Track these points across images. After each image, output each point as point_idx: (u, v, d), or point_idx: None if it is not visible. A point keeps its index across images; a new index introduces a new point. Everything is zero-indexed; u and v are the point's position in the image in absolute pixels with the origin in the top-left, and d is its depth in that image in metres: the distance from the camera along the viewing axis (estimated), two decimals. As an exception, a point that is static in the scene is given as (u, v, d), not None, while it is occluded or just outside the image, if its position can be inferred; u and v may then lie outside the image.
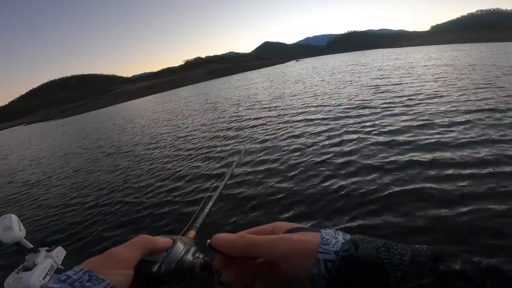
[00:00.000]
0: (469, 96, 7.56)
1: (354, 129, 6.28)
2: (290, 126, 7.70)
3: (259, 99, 15.31)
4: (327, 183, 3.97)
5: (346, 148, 5.14)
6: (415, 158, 4.17)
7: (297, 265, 0.29)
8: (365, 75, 17.51)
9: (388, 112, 7.18)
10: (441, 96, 8.05)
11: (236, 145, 6.99)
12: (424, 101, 7.71)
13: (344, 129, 6.41)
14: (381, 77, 15.17)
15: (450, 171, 3.62)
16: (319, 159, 4.88)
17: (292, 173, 4.58)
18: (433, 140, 4.74)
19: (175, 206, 4.33)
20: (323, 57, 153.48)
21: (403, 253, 0.26)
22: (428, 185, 3.38)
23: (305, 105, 10.53)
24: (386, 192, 3.39)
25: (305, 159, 5.06)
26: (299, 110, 9.60)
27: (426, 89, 9.51)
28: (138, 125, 16.45)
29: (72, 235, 4.13)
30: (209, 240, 0.33)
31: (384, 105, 8.01)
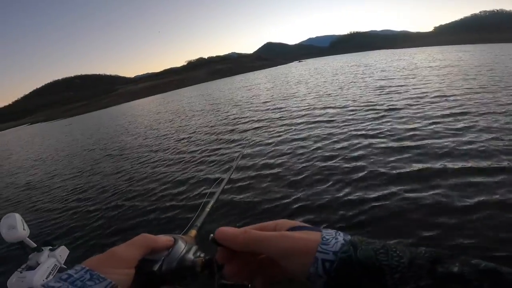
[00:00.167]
0: (477, 98, 7.38)
1: (360, 132, 6.02)
2: (293, 128, 7.57)
3: (261, 100, 15.27)
4: (328, 186, 3.92)
5: (352, 154, 4.91)
6: (423, 164, 3.99)
7: (295, 263, 0.29)
8: (369, 76, 17.37)
9: (394, 115, 6.98)
10: (448, 98, 7.86)
11: (237, 146, 6.98)
12: (431, 104, 7.50)
13: (350, 132, 6.17)
14: (385, 78, 15.02)
15: (461, 178, 3.47)
16: (322, 164, 4.72)
17: (293, 175, 4.56)
18: (442, 145, 4.57)
19: (177, 206, 4.33)
20: (326, 58, 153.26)
21: (401, 255, 0.26)
22: (437, 191, 3.26)
23: (309, 106, 10.43)
24: (393, 200, 3.26)
25: (307, 161, 5.00)
26: (302, 112, 9.44)
27: (432, 91, 9.32)
28: (141, 126, 16.49)
29: (75, 235, 4.14)
30: (212, 235, 0.33)
31: (390, 107, 7.81)
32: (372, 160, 4.50)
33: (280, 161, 5.28)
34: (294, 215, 3.41)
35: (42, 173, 9.40)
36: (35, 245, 1.76)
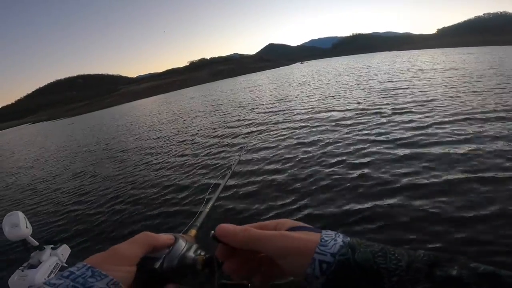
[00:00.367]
0: (485, 102, 7.20)
1: (365, 137, 5.76)
2: (296, 132, 7.40)
3: (264, 102, 15.22)
4: (331, 194, 3.82)
5: (357, 160, 4.68)
6: (431, 172, 3.80)
7: (293, 263, 0.29)
8: (373, 78, 17.16)
9: (401, 118, 6.69)
10: (454, 102, 7.64)
11: (237, 148, 6.97)
12: (438, 107, 7.27)
13: (354, 137, 5.91)
14: (389, 80, 14.78)
15: (470, 186, 3.33)
16: (325, 170, 4.54)
17: (294, 177, 4.53)
18: (451, 151, 4.38)
19: (178, 206, 4.34)
20: (328, 60, 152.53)
21: (399, 258, 0.26)
22: (443, 198, 3.17)
23: (312, 108, 10.31)
24: (399, 209, 3.12)
25: (309, 164, 4.92)
26: (306, 116, 9.15)
27: (438, 94, 9.11)
28: (143, 126, 16.52)
29: (77, 233, 4.15)
30: (213, 231, 0.34)
31: (396, 111, 7.53)
32: (377, 166, 4.29)
33: (281, 166, 5.19)
34: (294, 215, 3.38)
35: (45, 172, 9.42)
36: (37, 244, 1.76)
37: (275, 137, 7.14)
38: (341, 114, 8.40)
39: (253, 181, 4.63)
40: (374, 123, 6.73)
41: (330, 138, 6.14)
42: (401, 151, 4.73)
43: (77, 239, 3.96)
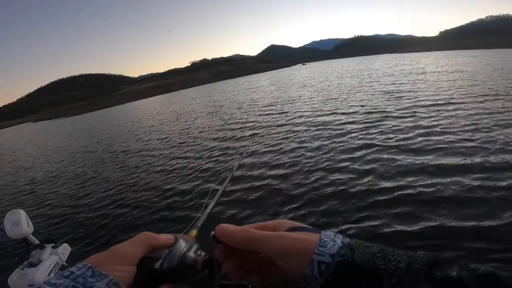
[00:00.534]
0: (490, 106, 7.10)
1: (370, 142, 5.63)
2: (297, 134, 7.30)
3: (265, 104, 15.16)
4: (333, 202, 3.70)
5: (361, 167, 4.51)
6: (436, 179, 3.69)
7: (292, 264, 0.29)
8: (375, 81, 17.03)
9: (405, 122, 6.60)
10: (459, 106, 7.51)
11: (238, 149, 6.96)
12: (443, 111, 7.15)
13: (358, 142, 5.76)
14: (392, 83, 14.68)
15: (478, 193, 3.25)
16: (327, 176, 4.42)
17: (294, 177, 4.53)
18: (457, 157, 4.26)
19: (178, 206, 4.33)
20: (330, 62, 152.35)
21: (399, 259, 0.26)
22: (447, 204, 3.11)
23: (314, 111, 10.23)
24: (407, 218, 3.02)
25: (311, 169, 4.84)
26: (308, 120, 8.92)
27: (443, 97, 9.00)
28: (144, 126, 16.52)
29: (78, 233, 4.14)
30: (213, 232, 0.35)
31: (401, 114, 7.41)
32: (381, 172, 4.19)
33: (281, 170, 5.13)
34: (293, 216, 3.38)
35: (46, 171, 9.43)
36: (38, 242, 1.75)
37: (276, 140, 7.08)
38: (344, 117, 8.30)
39: (254, 184, 4.61)
40: (379, 127, 6.59)
41: (334, 142, 6.00)
42: (406, 156, 4.61)
43: (78, 237, 3.95)
